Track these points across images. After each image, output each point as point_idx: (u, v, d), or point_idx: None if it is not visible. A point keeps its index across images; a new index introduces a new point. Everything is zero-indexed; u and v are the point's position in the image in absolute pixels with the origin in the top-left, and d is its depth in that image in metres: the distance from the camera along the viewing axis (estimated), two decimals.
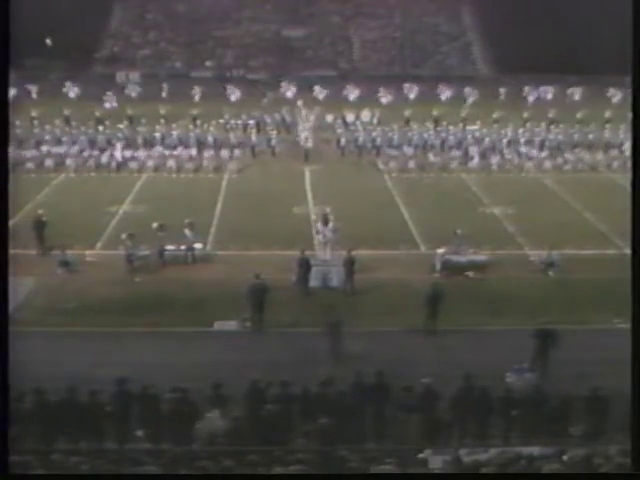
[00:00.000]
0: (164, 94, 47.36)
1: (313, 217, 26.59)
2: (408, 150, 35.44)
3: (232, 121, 40.02)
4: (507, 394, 13.56)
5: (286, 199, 28.76)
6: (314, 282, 20.81)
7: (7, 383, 8.02)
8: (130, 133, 36.58)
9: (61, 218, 24.18)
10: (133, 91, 48.74)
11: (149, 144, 35.64)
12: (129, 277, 21.38)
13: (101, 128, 36.79)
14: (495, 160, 34.71)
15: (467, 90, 48.50)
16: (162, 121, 38.52)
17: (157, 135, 36.19)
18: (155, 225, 22.98)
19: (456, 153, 35.45)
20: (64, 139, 35.54)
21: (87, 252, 23.12)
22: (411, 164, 34.05)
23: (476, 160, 34.60)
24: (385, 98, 44.87)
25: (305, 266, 20.53)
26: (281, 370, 15.18)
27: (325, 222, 23.05)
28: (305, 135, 37.56)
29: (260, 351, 16.79)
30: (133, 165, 33.57)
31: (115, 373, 13.64)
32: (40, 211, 23.89)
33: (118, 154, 34.08)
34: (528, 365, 15.61)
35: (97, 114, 40.00)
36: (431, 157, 34.69)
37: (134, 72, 60.64)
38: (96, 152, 34.53)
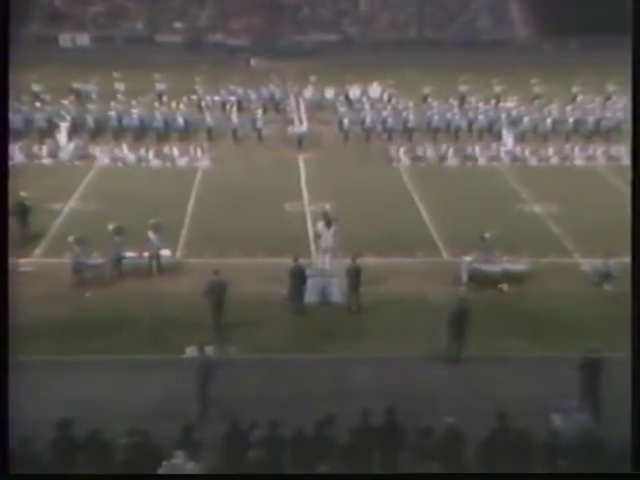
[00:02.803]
0: (122, 63, 47.44)
1: (309, 216, 26.64)
2: (427, 134, 35.49)
3: (207, 97, 40.13)
4: (552, 438, 13.53)
5: (276, 194, 28.78)
6: (310, 297, 20.84)
7: (7, 384, 9.64)
8: (77, 111, 36.58)
9: None
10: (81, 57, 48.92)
11: (102, 125, 35.64)
12: (77, 291, 21.37)
13: (38, 104, 36.82)
14: (535, 146, 34.79)
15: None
16: (119, 97, 38.57)
17: (112, 114, 36.21)
18: (111, 227, 22.98)
19: (487, 137, 35.52)
20: None
21: (22, 260, 23.06)
22: (431, 151, 34.14)
23: (512, 145, 34.68)
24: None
25: (299, 277, 20.53)
26: (269, 407, 15.16)
27: (326, 223, 23.02)
28: (299, 115, 37.65)
29: (242, 383, 16.73)
30: (82, 151, 33.56)
31: (56, 413, 13.56)
32: (23, 193, 23.96)
33: (62, 137, 34.10)
34: (578, 403, 15.59)
35: (34, 87, 40.01)
36: (455, 142, 34.73)
37: (82, 34, 60.82)
38: (33, 134, 34.54)
